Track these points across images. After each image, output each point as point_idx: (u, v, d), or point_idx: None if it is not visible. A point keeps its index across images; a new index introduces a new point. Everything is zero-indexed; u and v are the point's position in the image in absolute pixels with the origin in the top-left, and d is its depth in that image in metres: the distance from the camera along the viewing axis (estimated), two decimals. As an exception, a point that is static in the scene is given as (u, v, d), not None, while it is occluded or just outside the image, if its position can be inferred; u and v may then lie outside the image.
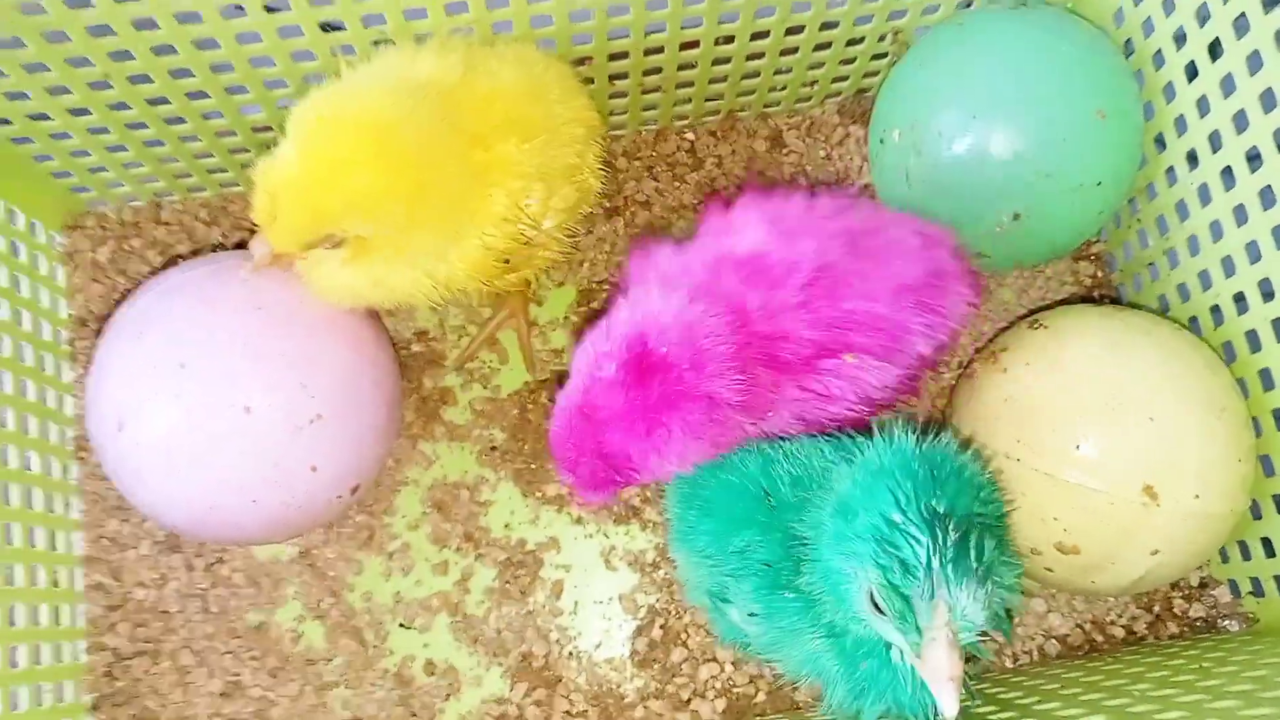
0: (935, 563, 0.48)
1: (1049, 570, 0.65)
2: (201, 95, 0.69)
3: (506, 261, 0.64)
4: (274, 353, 0.62)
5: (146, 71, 0.66)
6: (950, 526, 0.49)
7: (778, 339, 0.58)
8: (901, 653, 0.52)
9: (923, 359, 0.62)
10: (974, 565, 0.49)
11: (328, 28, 0.65)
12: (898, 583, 0.49)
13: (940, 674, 0.48)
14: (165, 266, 0.79)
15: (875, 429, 0.56)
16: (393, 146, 0.57)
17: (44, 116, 0.69)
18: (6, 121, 0.69)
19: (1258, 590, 0.69)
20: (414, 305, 0.67)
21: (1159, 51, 0.69)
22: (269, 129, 0.74)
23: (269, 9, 0.63)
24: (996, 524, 0.55)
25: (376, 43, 0.66)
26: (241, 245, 0.78)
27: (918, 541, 0.49)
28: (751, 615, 0.59)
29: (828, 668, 0.57)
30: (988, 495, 0.56)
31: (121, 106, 0.69)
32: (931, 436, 0.55)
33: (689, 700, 0.73)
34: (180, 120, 0.72)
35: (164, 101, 0.69)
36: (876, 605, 0.50)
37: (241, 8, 0.62)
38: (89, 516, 0.76)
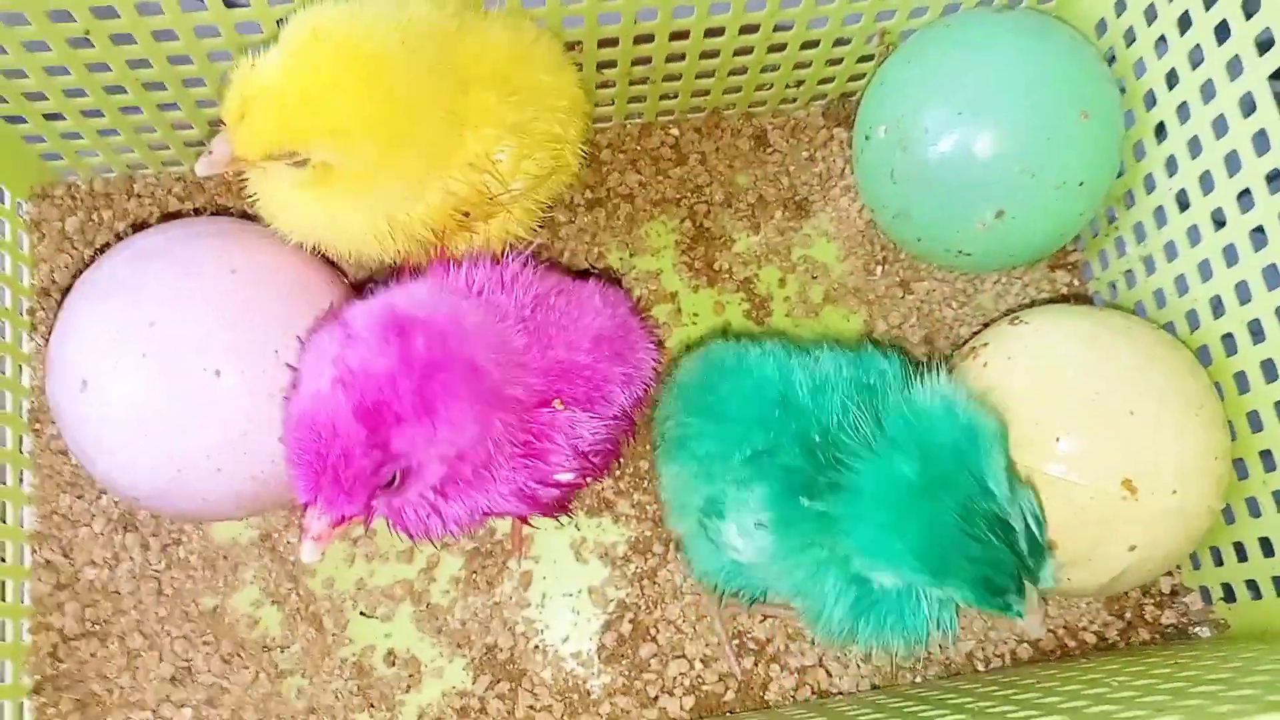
0: (1021, 570, 0.54)
1: (1025, 567, 0.64)
2: (184, 60, 0.68)
3: (466, 214, 0.63)
4: (247, 318, 0.61)
5: (130, 31, 0.65)
6: (1027, 521, 0.54)
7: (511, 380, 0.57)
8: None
9: (624, 412, 0.65)
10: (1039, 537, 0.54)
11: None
12: (985, 602, 0.54)
13: (1034, 627, 0.55)
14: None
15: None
16: (383, 82, 0.56)
17: (19, 74, 0.68)
18: (-21, 78, 0.68)
19: (1229, 596, 0.69)
20: (361, 253, 0.64)
21: (1140, 59, 0.70)
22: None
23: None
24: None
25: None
26: (215, 215, 0.76)
27: (1005, 570, 0.53)
28: (758, 525, 0.58)
29: (829, 584, 0.57)
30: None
31: (101, 68, 0.68)
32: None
33: (656, 697, 0.71)
34: (160, 86, 0.71)
35: (145, 65, 0.68)
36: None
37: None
38: (41, 491, 0.74)
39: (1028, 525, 0.54)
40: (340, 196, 0.59)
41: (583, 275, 0.73)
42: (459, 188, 0.61)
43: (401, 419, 0.50)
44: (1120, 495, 0.60)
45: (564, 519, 0.72)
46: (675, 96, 0.81)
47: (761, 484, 0.58)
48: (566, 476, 0.62)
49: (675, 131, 0.84)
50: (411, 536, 0.58)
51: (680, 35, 0.73)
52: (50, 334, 0.75)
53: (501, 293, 0.60)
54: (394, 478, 0.53)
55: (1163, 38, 0.68)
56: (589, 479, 0.65)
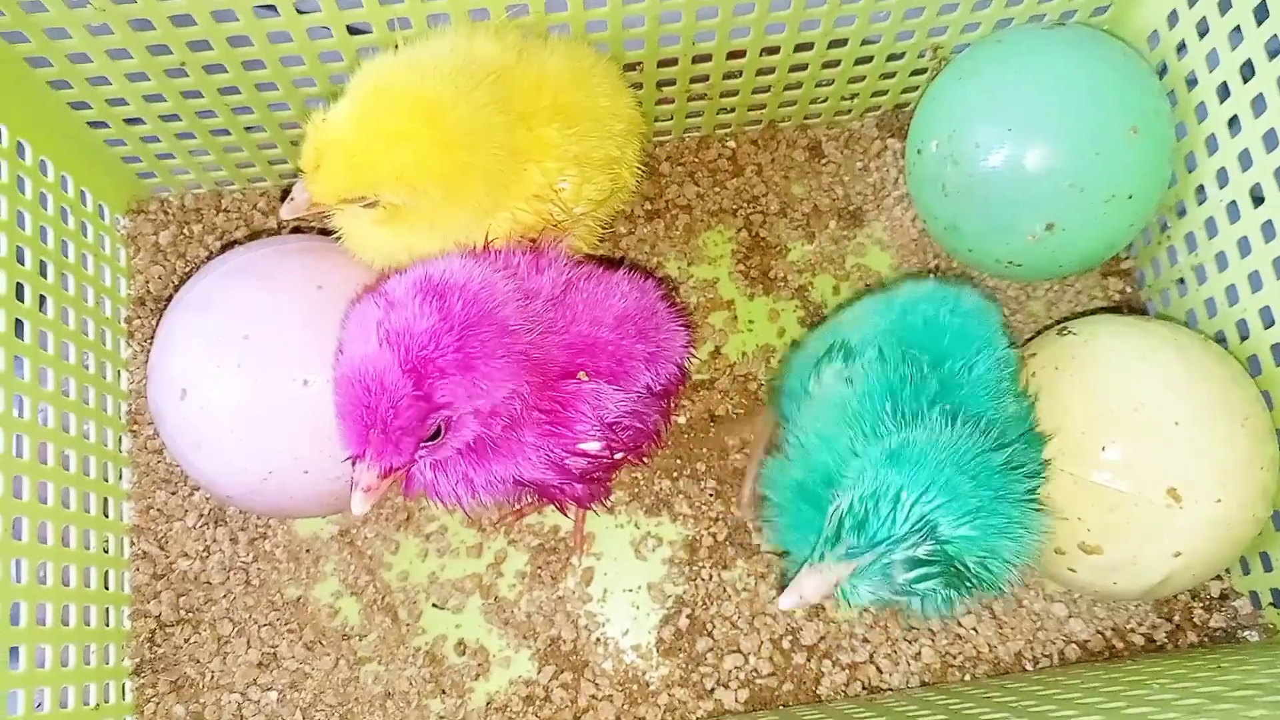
0: (872, 556, 0.54)
1: (1072, 571, 0.66)
2: (270, 86, 0.73)
3: (534, 241, 0.67)
4: (333, 330, 0.65)
5: (222, 61, 0.69)
6: (921, 553, 0.54)
7: (538, 345, 0.60)
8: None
9: (651, 392, 0.67)
10: (899, 581, 0.54)
11: (394, 24, 0.68)
12: (844, 529, 0.54)
13: (798, 586, 0.55)
14: (223, 252, 0.82)
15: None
16: (440, 126, 0.60)
17: (121, 102, 0.73)
18: (86, 105, 0.73)
19: (1278, 601, 0.70)
20: None
21: (1192, 72, 0.71)
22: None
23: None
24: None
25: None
26: (297, 233, 0.81)
27: (887, 538, 0.53)
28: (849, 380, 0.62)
29: (791, 493, 0.61)
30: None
31: (194, 95, 0.73)
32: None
33: (712, 689, 0.74)
34: (248, 110, 0.75)
35: (234, 91, 0.73)
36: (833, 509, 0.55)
37: (314, 7, 0.66)
38: (139, 488, 0.79)
39: (842, 510, 0.55)
40: (413, 230, 0.64)
41: (615, 264, 0.75)
42: (525, 217, 0.65)
43: (445, 373, 0.55)
44: (1165, 503, 0.61)
45: (622, 516, 0.75)
46: (732, 111, 0.83)
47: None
48: (593, 446, 0.64)
49: (732, 144, 0.87)
50: (445, 504, 0.62)
51: (737, 54, 0.76)
52: (147, 343, 0.81)
53: (535, 273, 0.64)
54: (437, 430, 0.57)
55: (1214, 51, 0.69)
56: (617, 453, 0.67)
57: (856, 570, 0.54)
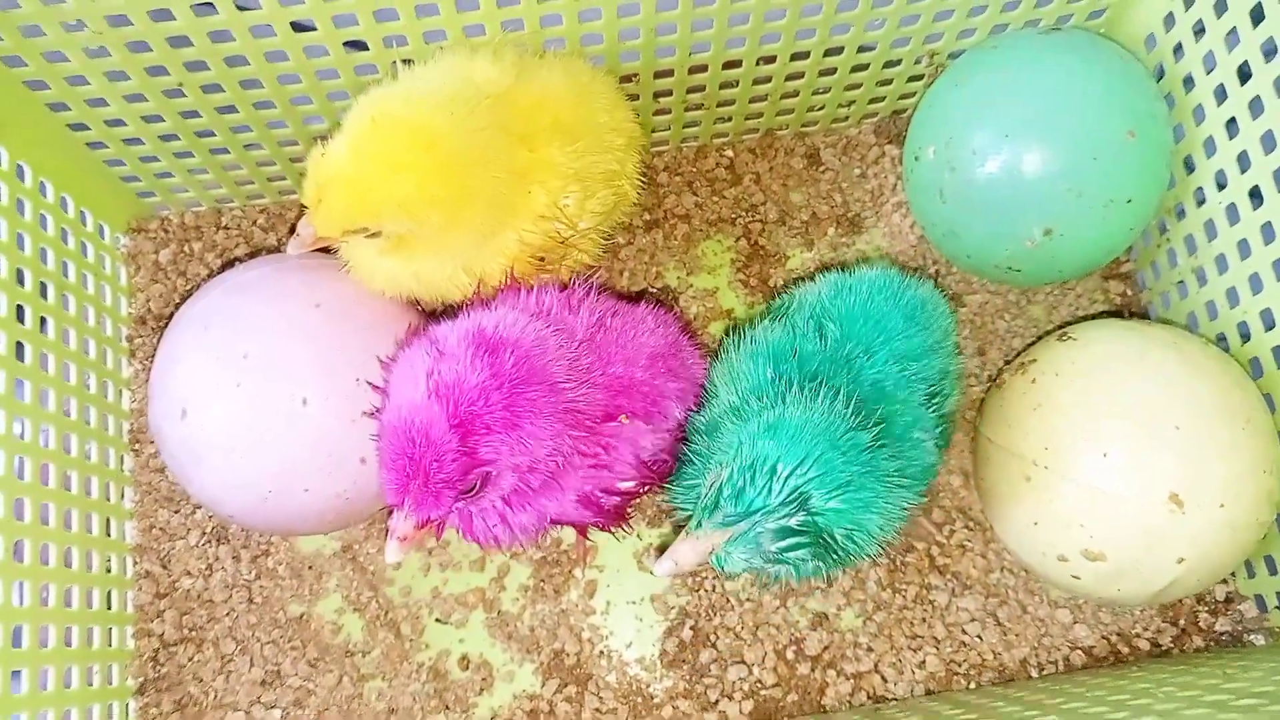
0: (746, 524, 0.55)
1: (1076, 578, 0.66)
2: (268, 105, 0.73)
3: (541, 259, 0.67)
4: (331, 347, 0.65)
5: (219, 81, 0.70)
6: (793, 531, 0.56)
7: (581, 397, 0.61)
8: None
9: (679, 425, 0.68)
10: (770, 550, 0.56)
11: (391, 42, 0.69)
12: (722, 497, 0.56)
13: (674, 553, 0.57)
14: (223, 269, 0.83)
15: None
16: (439, 154, 0.60)
17: (119, 122, 0.73)
18: (84, 126, 0.73)
19: (1284, 605, 0.70)
20: (446, 299, 0.69)
21: (1189, 75, 0.71)
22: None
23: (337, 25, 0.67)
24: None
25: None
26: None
27: (762, 507, 0.55)
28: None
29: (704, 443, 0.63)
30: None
31: (192, 114, 0.73)
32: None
33: (716, 701, 0.74)
34: (246, 129, 0.76)
35: (232, 110, 0.73)
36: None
37: (310, 25, 0.66)
38: (141, 507, 0.79)
39: (721, 480, 0.57)
40: (419, 257, 0.64)
41: (634, 298, 0.76)
42: (532, 238, 0.65)
43: (491, 429, 0.55)
44: (1168, 509, 0.61)
45: (622, 532, 0.75)
46: (729, 120, 0.83)
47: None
48: (628, 485, 0.65)
49: (730, 153, 0.87)
50: (481, 544, 0.63)
51: (733, 64, 0.76)
52: (149, 361, 0.81)
53: (569, 314, 0.64)
54: (475, 484, 0.57)
55: (1211, 53, 0.69)
56: (647, 488, 0.68)
57: (732, 538, 0.56)
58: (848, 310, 0.65)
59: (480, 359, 0.55)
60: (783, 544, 0.56)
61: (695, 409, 0.68)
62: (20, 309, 0.69)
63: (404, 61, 0.67)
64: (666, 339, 0.68)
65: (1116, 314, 0.81)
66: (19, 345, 0.68)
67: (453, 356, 0.56)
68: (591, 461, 0.61)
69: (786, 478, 0.55)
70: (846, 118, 0.86)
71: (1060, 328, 0.73)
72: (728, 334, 0.70)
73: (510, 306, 0.61)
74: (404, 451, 0.55)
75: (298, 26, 0.66)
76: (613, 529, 0.68)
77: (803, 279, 0.79)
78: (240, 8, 0.64)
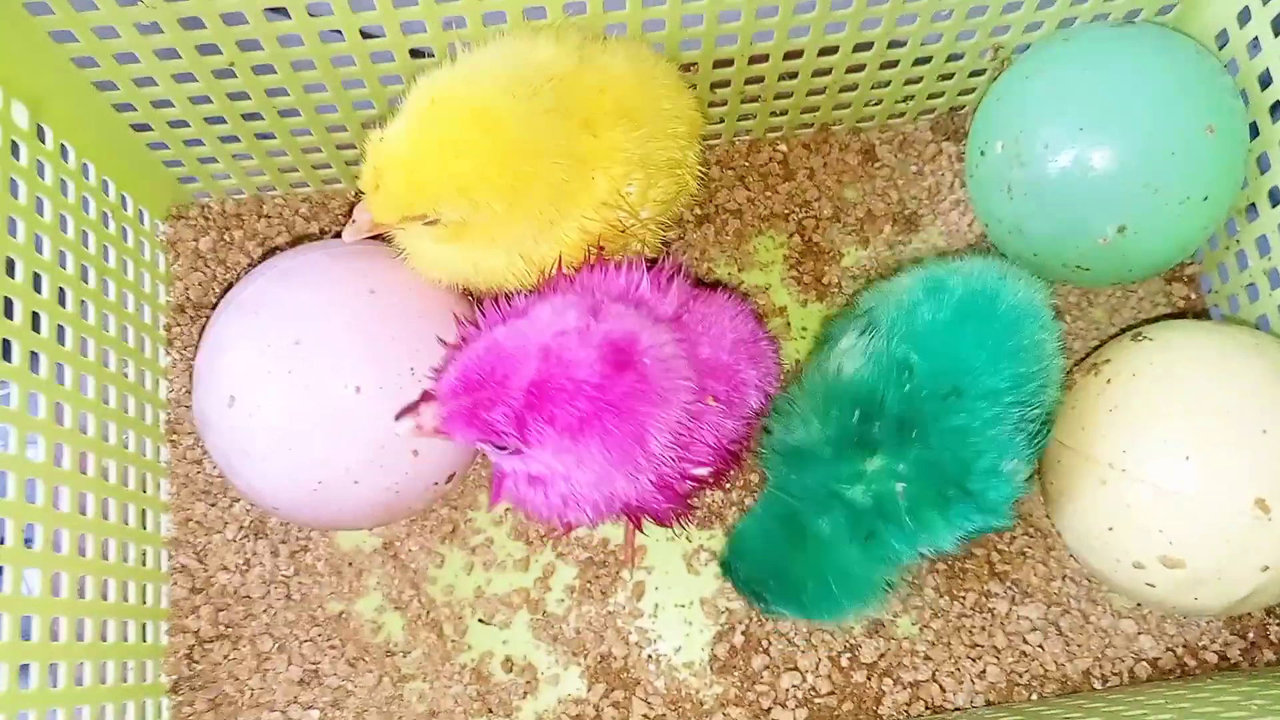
0: None
1: (1150, 585, 0.64)
2: (318, 88, 0.71)
3: (601, 249, 0.65)
4: (384, 335, 0.63)
5: (271, 62, 0.68)
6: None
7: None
8: None
9: (754, 414, 0.67)
10: None
11: (450, 24, 0.67)
12: None
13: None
14: (264, 258, 0.81)
15: None
16: (500, 137, 0.58)
17: (167, 104, 0.71)
18: (130, 107, 0.71)
19: (1361, 618, 0.68)
20: (508, 287, 0.67)
21: (1266, 70, 0.69)
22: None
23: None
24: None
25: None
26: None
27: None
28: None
29: None
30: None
31: (241, 96, 0.71)
32: None
33: (769, 709, 0.72)
34: (295, 113, 0.74)
35: (283, 93, 0.71)
36: None
37: (369, 5, 0.64)
38: (177, 499, 0.77)
39: None
40: (478, 245, 0.62)
41: (711, 286, 0.74)
42: (594, 225, 0.63)
43: (552, 422, 0.53)
44: (1252, 515, 0.59)
45: (679, 529, 0.73)
46: (785, 114, 0.82)
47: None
48: (703, 471, 0.64)
49: (783, 148, 0.85)
50: (544, 521, 0.61)
51: (794, 55, 0.74)
52: (186, 351, 0.79)
53: (659, 296, 0.63)
54: (507, 448, 0.56)
55: (1289, 49, 0.67)
56: (717, 478, 0.67)
57: None
58: (937, 334, 0.62)
59: (605, 361, 0.53)
60: None
61: (768, 399, 0.67)
62: (62, 292, 0.67)
63: (462, 45, 0.66)
64: (747, 326, 0.67)
65: (1180, 317, 0.79)
66: (60, 329, 0.67)
67: (588, 339, 0.54)
68: (674, 442, 0.59)
69: None
70: (903, 113, 0.84)
71: (1130, 328, 0.71)
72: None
73: (604, 291, 0.59)
74: (477, 369, 0.54)
75: (355, 6, 0.64)
76: (679, 519, 0.66)
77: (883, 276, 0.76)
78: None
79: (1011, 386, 0.59)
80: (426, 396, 0.56)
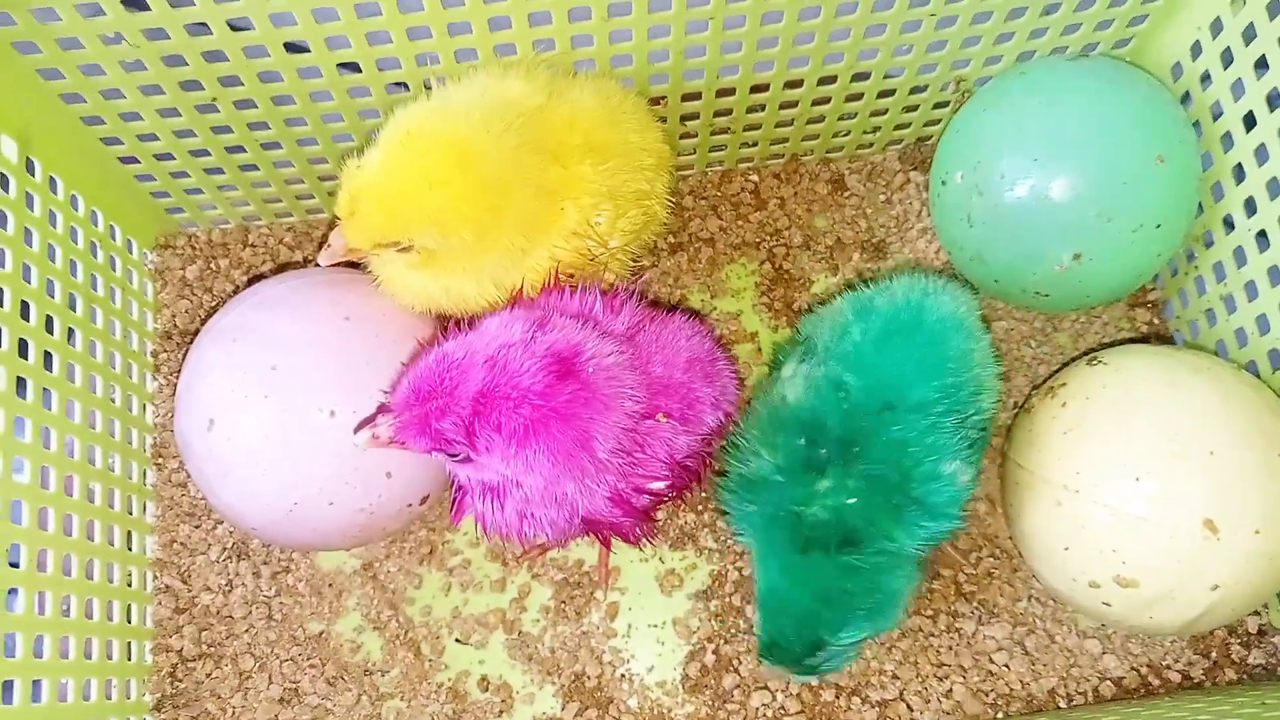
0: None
1: (1107, 605, 0.65)
2: (299, 121, 0.74)
3: (571, 277, 0.67)
4: (359, 361, 0.65)
5: (252, 96, 0.70)
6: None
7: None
8: None
9: (711, 431, 0.68)
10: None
11: (424, 60, 0.69)
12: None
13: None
14: (249, 286, 0.83)
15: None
16: (473, 171, 0.60)
17: (152, 137, 0.74)
18: (117, 141, 0.74)
19: (1319, 637, 0.69)
20: (476, 314, 0.68)
21: (1217, 102, 0.71)
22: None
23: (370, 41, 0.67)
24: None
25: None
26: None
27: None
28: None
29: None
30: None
31: (224, 130, 0.74)
32: None
33: (740, 727, 0.73)
34: (276, 145, 0.76)
35: (264, 126, 0.74)
36: None
37: (345, 43, 0.67)
38: (162, 521, 0.79)
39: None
40: (450, 272, 0.64)
41: (670, 308, 0.76)
42: (563, 255, 0.65)
43: (499, 429, 0.55)
44: (1202, 535, 0.60)
45: (648, 550, 0.75)
46: (755, 145, 0.84)
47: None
48: (659, 485, 0.65)
49: (755, 178, 0.87)
50: (503, 537, 0.62)
51: (760, 88, 0.76)
52: (173, 376, 0.81)
53: (611, 314, 0.65)
54: (458, 455, 0.58)
55: (1239, 81, 0.69)
56: (674, 493, 0.68)
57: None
58: (866, 354, 0.64)
59: (548, 371, 0.55)
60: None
61: (726, 418, 0.68)
62: (49, 319, 0.69)
63: (437, 80, 0.68)
64: (703, 346, 0.69)
65: (1143, 341, 0.81)
66: (47, 355, 0.69)
67: (529, 350, 0.56)
68: (627, 458, 0.61)
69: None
70: (871, 144, 0.86)
71: (1089, 353, 0.73)
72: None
73: (556, 309, 0.62)
74: (428, 380, 0.56)
75: (332, 44, 0.67)
76: (640, 533, 0.68)
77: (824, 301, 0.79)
78: (277, 25, 0.65)
79: (942, 396, 0.61)
80: (383, 408, 0.59)
